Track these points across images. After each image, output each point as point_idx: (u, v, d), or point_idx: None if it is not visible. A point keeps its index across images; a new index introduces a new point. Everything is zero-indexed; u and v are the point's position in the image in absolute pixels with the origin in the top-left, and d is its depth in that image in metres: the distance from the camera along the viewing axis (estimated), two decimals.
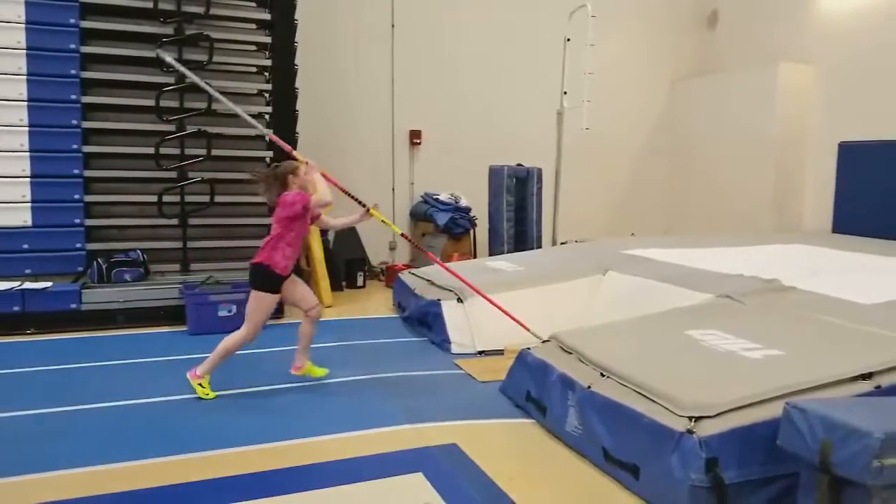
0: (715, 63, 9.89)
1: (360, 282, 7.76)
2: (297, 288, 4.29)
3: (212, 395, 4.09)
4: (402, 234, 5.99)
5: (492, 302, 5.05)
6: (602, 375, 3.35)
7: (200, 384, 4.09)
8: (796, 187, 8.64)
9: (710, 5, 10.02)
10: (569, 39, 7.48)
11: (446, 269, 5.46)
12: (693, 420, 2.75)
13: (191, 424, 3.70)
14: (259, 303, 4.10)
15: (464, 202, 8.31)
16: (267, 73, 6.65)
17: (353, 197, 4.66)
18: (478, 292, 5.13)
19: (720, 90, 9.27)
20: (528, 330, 4.90)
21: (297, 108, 6.97)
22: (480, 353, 5.08)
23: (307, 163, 4.23)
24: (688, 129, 9.79)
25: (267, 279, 4.07)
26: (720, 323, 3.92)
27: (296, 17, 6.92)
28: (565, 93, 7.53)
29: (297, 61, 6.97)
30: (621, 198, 9.98)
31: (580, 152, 8.82)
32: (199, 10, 6.20)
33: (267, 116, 6.58)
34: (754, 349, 3.41)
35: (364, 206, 4.56)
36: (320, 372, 4.46)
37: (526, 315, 5.13)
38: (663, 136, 10.10)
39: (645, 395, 3.03)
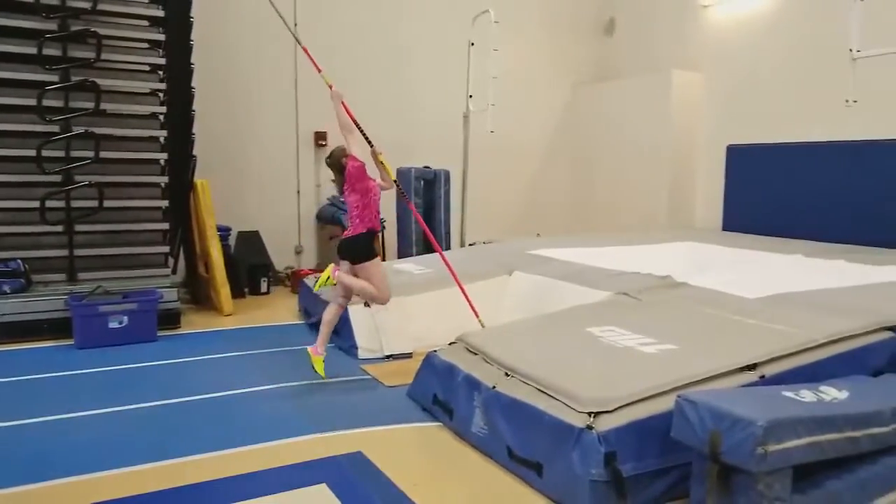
0: (613, 69, 10.25)
1: (263, 288, 7.53)
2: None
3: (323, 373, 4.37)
4: (397, 183, 5.28)
5: (466, 296, 5.00)
6: (507, 375, 3.38)
7: (317, 359, 4.36)
8: (689, 188, 9.07)
9: (607, 13, 10.38)
10: (473, 44, 7.55)
11: (443, 256, 5.28)
12: (592, 416, 2.80)
13: (75, 444, 3.46)
14: (376, 268, 4.46)
15: None
16: (161, 72, 6.34)
17: (363, 133, 4.68)
18: (459, 285, 5.04)
19: (618, 95, 9.61)
20: (478, 320, 4.90)
21: (195, 108, 6.70)
22: (388, 357, 5.03)
23: (331, 87, 4.53)
24: (589, 132, 10.10)
25: (372, 243, 4.43)
26: (618, 319, 4.04)
27: (191, 14, 6.65)
28: (471, 96, 7.60)
29: (193, 60, 6.70)
30: (527, 199, 10.16)
31: (486, 154, 8.92)
32: (86, 5, 5.83)
33: (161, 117, 6.29)
34: (649, 344, 3.53)
35: (371, 144, 4.68)
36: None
37: (434, 317, 5.12)
38: (566, 138, 10.37)
39: (547, 393, 3.08)
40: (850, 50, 3.70)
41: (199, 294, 6.98)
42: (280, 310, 6.76)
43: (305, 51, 5.07)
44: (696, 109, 8.95)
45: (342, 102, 4.51)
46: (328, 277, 4.49)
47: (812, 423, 2.49)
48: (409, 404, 4.05)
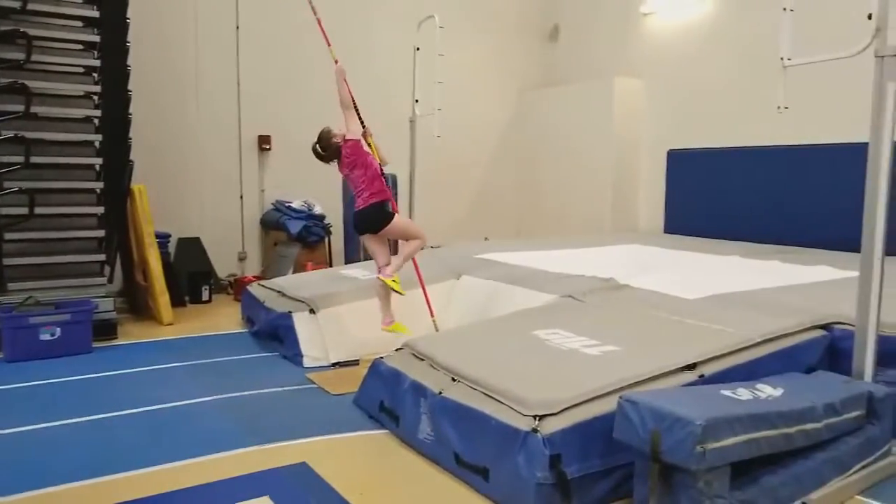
0: (558, 75, 10.39)
1: (205, 296, 7.34)
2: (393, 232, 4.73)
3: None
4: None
5: (427, 297, 5.04)
6: (453, 380, 3.37)
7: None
8: (632, 191, 9.26)
9: (552, 20, 10.52)
10: (418, 49, 7.54)
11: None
12: (537, 419, 2.81)
13: (6, 462, 3.29)
14: (401, 223, 4.67)
15: (318, 209, 8.12)
16: (96, 75, 6.13)
17: (357, 112, 4.81)
18: (422, 285, 5.09)
19: (563, 101, 9.74)
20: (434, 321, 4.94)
21: (131, 111, 6.50)
22: (335, 364, 4.96)
23: (336, 62, 4.74)
24: (535, 137, 10.21)
25: (384, 209, 4.56)
26: (563, 322, 4.07)
27: (128, 15, 6.45)
28: (417, 101, 7.58)
29: (129, 62, 6.50)
30: (474, 203, 10.20)
31: (434, 159, 8.91)
32: (15, 4, 5.59)
33: (96, 120, 6.08)
34: (593, 346, 3.56)
35: (363, 125, 4.83)
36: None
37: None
38: (513, 143, 10.45)
39: (493, 397, 3.08)
40: (781, 58, 3.80)
41: (137, 303, 6.76)
42: (222, 318, 6.60)
43: (319, 23, 5.17)
44: (637, 115, 9.15)
45: (344, 80, 4.66)
46: (395, 288, 4.62)
47: (748, 420, 2.55)
48: (356, 412, 3.99)
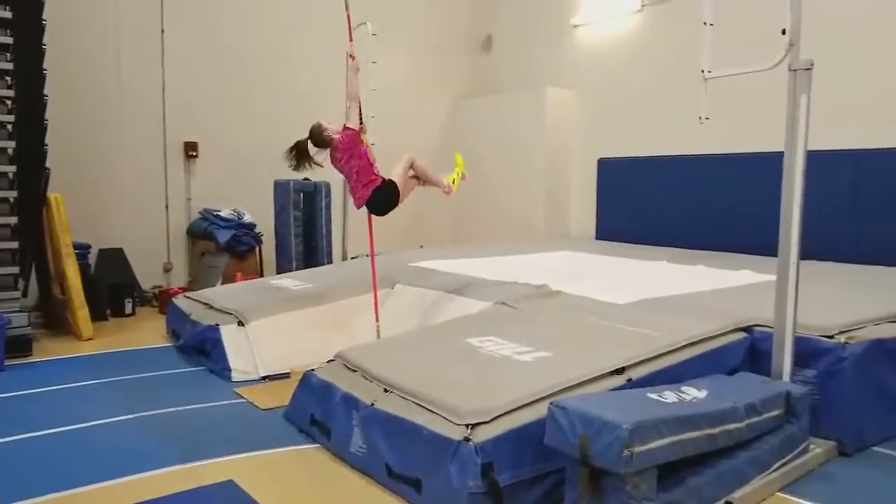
0: (492, 84, 10.49)
1: (128, 309, 7.05)
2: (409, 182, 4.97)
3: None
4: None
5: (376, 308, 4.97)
6: (386, 391, 3.32)
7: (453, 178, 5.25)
8: (565, 199, 9.42)
9: (485, 30, 10.63)
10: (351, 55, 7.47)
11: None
12: (470, 427, 2.80)
13: None
14: (399, 177, 4.80)
15: (248, 218, 7.93)
16: (9, 78, 5.83)
17: (360, 110, 4.99)
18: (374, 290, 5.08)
19: (497, 110, 9.85)
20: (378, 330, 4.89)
21: (47, 117, 6.21)
22: (265, 378, 4.82)
23: (353, 58, 4.94)
24: (470, 146, 10.24)
25: (392, 189, 4.72)
26: (497, 329, 4.07)
27: (44, 17, 6.18)
28: (350, 107, 7.50)
29: (46, 65, 6.21)
30: (411, 210, 10.12)
31: None
32: None
33: (9, 126, 5.77)
34: (526, 352, 3.58)
35: (361, 121, 4.96)
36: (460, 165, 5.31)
37: (313, 334, 4.98)
38: (448, 151, 10.40)
39: (427, 408, 3.05)
40: (702, 71, 3.93)
41: (54, 318, 6.43)
42: (146, 332, 6.35)
43: (348, 18, 5.32)
44: (569, 124, 9.32)
45: (356, 74, 4.89)
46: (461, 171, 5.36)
47: (674, 422, 2.60)
48: (286, 427, 3.89)
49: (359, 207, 4.88)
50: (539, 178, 9.21)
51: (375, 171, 4.74)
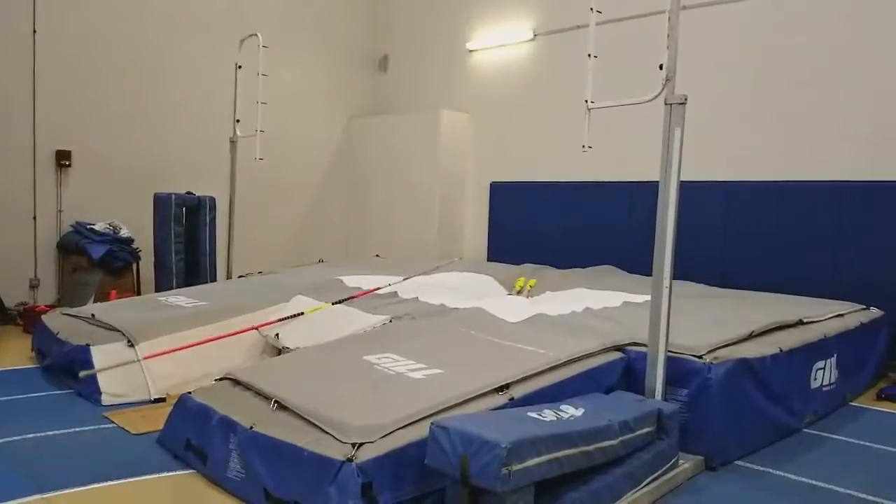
0: (388, 104, 10.53)
1: None
2: None
3: None
4: None
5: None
6: (275, 409, 3.23)
7: None
8: (459, 220, 9.55)
9: (381, 49, 10.67)
10: (240, 67, 7.30)
11: None
12: (355, 447, 2.76)
13: None
14: None
15: (125, 232, 7.48)
16: None
17: None
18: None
19: (392, 130, 9.88)
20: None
21: None
22: (139, 402, 4.53)
23: None
24: (365, 164, 10.25)
25: None
26: (394, 346, 4.05)
27: None
28: (238, 121, 7.31)
29: None
30: (303, 228, 9.99)
31: (258, 182, 8.64)
32: None
33: None
34: (419, 369, 3.58)
35: None
36: None
37: (209, 353, 4.76)
38: (343, 169, 10.39)
39: (315, 424, 2.98)
40: (586, 101, 4.11)
41: None
42: (8, 352, 5.83)
43: None
44: (463, 147, 9.49)
45: None
46: None
47: (551, 440, 2.67)
48: (159, 453, 3.67)
49: None
50: (432, 199, 9.29)
51: None
